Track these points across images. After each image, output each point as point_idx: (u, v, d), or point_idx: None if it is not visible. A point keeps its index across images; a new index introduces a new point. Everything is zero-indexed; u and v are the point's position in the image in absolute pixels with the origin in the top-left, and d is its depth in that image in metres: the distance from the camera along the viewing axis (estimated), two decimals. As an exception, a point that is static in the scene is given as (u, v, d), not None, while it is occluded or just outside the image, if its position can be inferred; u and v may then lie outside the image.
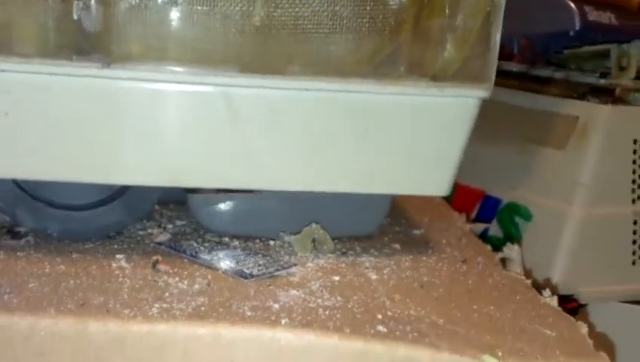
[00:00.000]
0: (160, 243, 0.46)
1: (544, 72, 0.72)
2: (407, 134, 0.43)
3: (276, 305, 0.36)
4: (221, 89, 0.40)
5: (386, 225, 0.52)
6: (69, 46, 0.40)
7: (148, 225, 0.49)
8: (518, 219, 0.65)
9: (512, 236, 0.64)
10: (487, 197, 0.68)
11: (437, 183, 0.45)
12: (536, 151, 0.66)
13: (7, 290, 0.35)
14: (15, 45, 0.40)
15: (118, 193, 0.46)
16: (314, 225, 0.47)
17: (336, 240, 0.47)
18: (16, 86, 0.39)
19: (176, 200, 0.53)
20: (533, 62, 0.75)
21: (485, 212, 0.68)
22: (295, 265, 0.43)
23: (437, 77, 0.42)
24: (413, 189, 0.45)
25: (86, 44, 0.40)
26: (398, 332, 0.34)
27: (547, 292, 0.41)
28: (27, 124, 0.40)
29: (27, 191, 0.45)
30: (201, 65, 0.40)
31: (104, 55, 0.39)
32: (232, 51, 0.41)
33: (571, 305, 0.62)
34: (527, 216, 0.65)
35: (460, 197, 0.67)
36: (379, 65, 0.41)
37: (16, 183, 0.45)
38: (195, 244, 0.46)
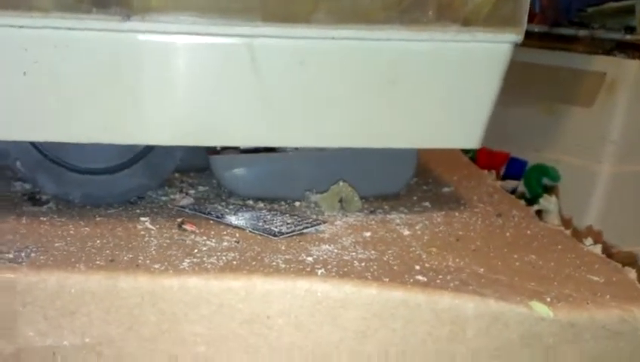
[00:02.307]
0: (183, 207, 0.45)
1: (568, 31, 0.70)
2: (436, 83, 0.41)
3: (310, 258, 0.35)
4: (244, 40, 0.39)
5: (413, 184, 0.50)
6: (87, -1, 0.38)
7: (169, 191, 0.48)
8: (545, 180, 0.63)
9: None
10: (513, 160, 0.66)
11: (468, 135, 0.43)
12: (562, 110, 0.64)
13: (34, 249, 0.34)
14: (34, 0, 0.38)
15: (140, 156, 0.45)
16: (341, 183, 0.45)
17: (363, 200, 0.46)
18: (34, 42, 0.38)
19: (196, 168, 0.52)
20: (556, 21, 0.73)
21: (511, 175, 0.66)
22: (324, 222, 0.42)
23: (467, 21, 0.40)
24: (442, 142, 0.44)
25: (105, -4, 0.38)
26: (438, 281, 0.33)
27: (589, 240, 0.39)
28: (46, 83, 0.39)
29: (47, 155, 0.44)
30: (223, 16, 0.39)
31: (123, 7, 0.38)
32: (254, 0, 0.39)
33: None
34: (556, 177, 0.63)
35: (484, 160, 0.66)
36: (406, 11, 0.40)
37: (37, 148, 0.43)
38: (220, 207, 0.45)
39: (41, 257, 0.33)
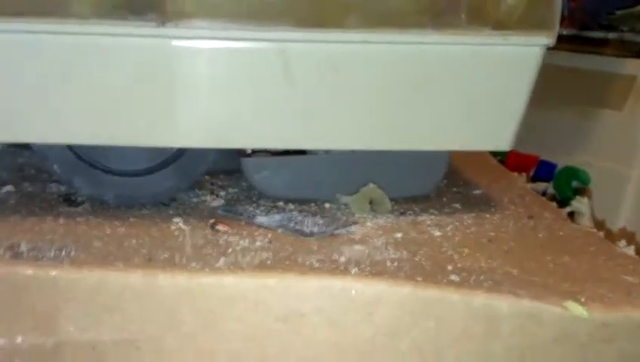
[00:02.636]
0: (215, 208, 0.45)
1: (597, 34, 0.70)
2: (468, 86, 0.41)
3: (342, 258, 0.36)
4: (276, 45, 0.40)
5: (442, 186, 0.51)
6: (123, 6, 0.39)
7: (200, 193, 0.49)
8: (575, 183, 0.63)
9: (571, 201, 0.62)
10: (543, 163, 0.66)
11: (499, 138, 0.43)
12: (593, 114, 0.64)
13: (73, 248, 0.35)
14: (70, 6, 0.39)
15: (173, 158, 0.46)
16: (371, 185, 0.45)
17: (392, 202, 0.46)
18: (72, 49, 0.39)
19: (226, 171, 0.52)
20: (584, 24, 0.72)
21: (540, 177, 0.66)
22: (355, 223, 0.42)
23: (499, 24, 0.40)
24: (474, 145, 0.44)
25: (140, 3, 0.39)
26: (472, 281, 0.33)
27: (623, 242, 0.39)
28: (82, 88, 0.40)
29: (83, 158, 0.45)
30: (256, 21, 0.39)
31: (158, 14, 0.39)
32: (287, 5, 0.40)
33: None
34: (586, 180, 0.63)
35: (513, 163, 0.65)
36: (438, 15, 0.40)
37: (73, 151, 0.44)
38: (251, 208, 0.45)
39: (81, 255, 0.34)
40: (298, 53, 0.40)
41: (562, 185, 0.64)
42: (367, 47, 0.40)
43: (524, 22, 0.41)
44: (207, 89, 0.41)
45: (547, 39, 0.41)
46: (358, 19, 0.40)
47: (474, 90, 0.42)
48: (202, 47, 0.40)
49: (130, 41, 0.39)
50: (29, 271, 0.31)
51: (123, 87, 0.40)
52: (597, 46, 0.69)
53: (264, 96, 0.41)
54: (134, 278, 0.32)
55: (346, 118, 0.42)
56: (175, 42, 0.39)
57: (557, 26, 0.41)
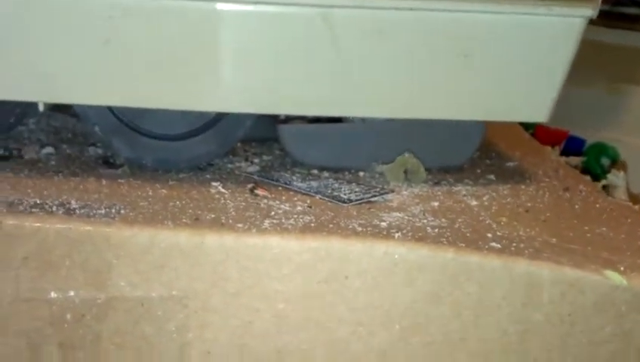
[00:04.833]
0: (251, 174, 0.46)
1: (629, 10, 0.69)
2: (510, 56, 0.41)
3: (384, 223, 0.36)
4: (321, 10, 0.40)
5: (475, 158, 0.51)
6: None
7: (235, 160, 0.49)
8: (604, 159, 0.63)
9: (599, 176, 0.62)
10: (572, 138, 0.66)
11: (537, 109, 0.43)
12: (624, 90, 0.64)
13: (122, 207, 0.36)
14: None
15: (211, 123, 0.46)
16: (407, 155, 0.46)
17: (427, 171, 0.47)
18: (117, 11, 0.39)
19: (259, 138, 0.53)
20: (618, 0, 0.72)
21: (569, 152, 0.66)
22: (392, 191, 0.43)
23: (543, -6, 0.40)
24: (511, 116, 0.44)
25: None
26: (513, 248, 0.33)
27: (659, 215, 0.39)
28: (126, 51, 0.40)
29: (124, 121, 0.45)
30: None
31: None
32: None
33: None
34: (615, 156, 0.63)
35: (541, 138, 0.65)
36: (483, -16, 0.40)
37: (113, 113, 0.45)
38: (287, 175, 0.46)
39: (131, 214, 0.35)
40: (342, 17, 0.40)
41: (591, 161, 0.64)
42: (412, 13, 0.40)
43: (567, -7, 0.41)
44: (250, 53, 0.41)
45: (590, 10, 0.41)
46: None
47: (515, 60, 0.42)
48: (245, 10, 0.40)
49: (172, 3, 0.39)
50: (85, 227, 0.32)
51: (165, 51, 0.40)
52: (630, 22, 0.68)
53: (307, 61, 0.41)
54: (183, 237, 0.33)
55: (387, 86, 0.42)
56: (217, 5, 0.40)
57: (599, -2, 0.41)
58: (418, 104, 0.43)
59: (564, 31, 0.41)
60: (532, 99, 0.43)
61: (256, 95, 0.42)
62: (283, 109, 0.44)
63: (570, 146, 0.66)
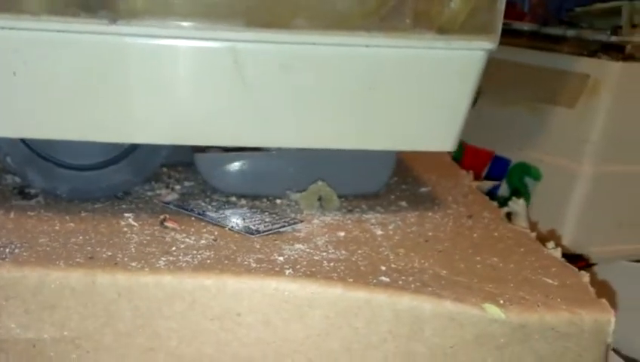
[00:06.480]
0: (168, 203, 0.46)
1: (556, 31, 0.71)
2: (413, 88, 0.42)
3: (281, 258, 0.37)
4: (227, 44, 0.40)
5: (392, 183, 0.52)
6: (75, 3, 0.40)
7: (156, 186, 0.50)
8: (527, 179, 0.65)
9: (522, 196, 0.64)
10: (497, 158, 0.68)
11: (443, 138, 0.45)
12: (546, 110, 0.66)
13: (18, 245, 0.36)
14: (24, 3, 0.40)
15: (126, 153, 0.47)
16: (320, 183, 0.47)
17: (342, 199, 0.47)
18: (24, 44, 0.39)
19: (183, 163, 0.53)
20: (545, 20, 0.74)
21: (495, 172, 0.67)
22: (301, 221, 0.44)
23: (443, 29, 0.41)
24: (419, 145, 0.45)
25: (93, 0, 0.40)
26: (400, 283, 0.34)
27: (551, 244, 0.41)
28: (35, 83, 0.40)
29: (37, 151, 0.45)
30: (207, 20, 0.40)
31: (110, 11, 0.39)
32: (237, 5, 0.40)
33: (580, 265, 0.62)
34: (537, 176, 0.65)
35: (469, 158, 0.67)
36: (385, 18, 0.41)
37: (26, 144, 0.45)
38: (203, 204, 0.46)
39: (24, 253, 0.35)
40: (248, 52, 0.41)
41: (515, 181, 0.66)
42: (315, 48, 0.41)
43: (467, 27, 0.42)
44: (161, 86, 0.41)
45: (489, 43, 0.42)
46: (307, 21, 0.41)
47: (419, 92, 0.43)
48: (154, 44, 0.40)
49: (82, 37, 0.40)
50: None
51: (76, 83, 0.41)
52: (555, 43, 0.70)
53: (217, 94, 0.42)
54: (74, 277, 0.33)
55: (296, 117, 0.43)
56: (128, 39, 0.40)
57: (499, 31, 0.43)
58: (327, 135, 0.44)
59: (464, 64, 0.42)
60: (438, 130, 0.44)
61: (167, 127, 0.43)
62: (194, 140, 0.44)
63: (495, 166, 0.68)
